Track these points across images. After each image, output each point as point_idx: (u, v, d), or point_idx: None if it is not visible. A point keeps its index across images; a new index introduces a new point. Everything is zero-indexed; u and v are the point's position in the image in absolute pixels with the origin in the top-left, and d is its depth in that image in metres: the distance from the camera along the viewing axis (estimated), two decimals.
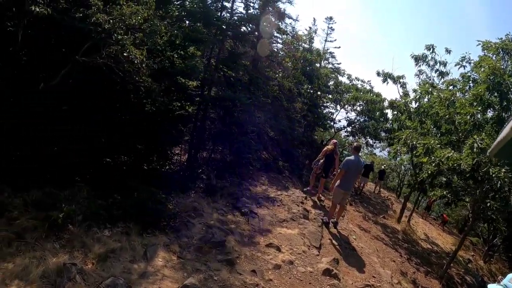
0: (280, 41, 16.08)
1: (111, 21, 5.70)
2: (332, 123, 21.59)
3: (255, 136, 11.82)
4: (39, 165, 5.83)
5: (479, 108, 8.87)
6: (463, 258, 15.37)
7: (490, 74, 8.68)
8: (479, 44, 10.72)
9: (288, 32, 15.36)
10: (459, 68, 11.51)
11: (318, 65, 18.65)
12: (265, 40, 12.65)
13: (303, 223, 8.10)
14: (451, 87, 11.76)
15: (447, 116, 9.80)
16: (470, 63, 11.46)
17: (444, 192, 11.33)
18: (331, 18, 21.14)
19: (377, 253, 9.39)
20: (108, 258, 4.71)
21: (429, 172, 8.74)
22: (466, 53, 11.56)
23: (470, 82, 10.61)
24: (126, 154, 8.15)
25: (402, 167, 28.04)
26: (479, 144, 7.64)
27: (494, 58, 9.75)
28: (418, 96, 12.00)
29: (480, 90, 8.82)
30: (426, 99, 11.97)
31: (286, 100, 15.06)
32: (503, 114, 9.11)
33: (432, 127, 10.82)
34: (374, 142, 22.40)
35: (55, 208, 5.17)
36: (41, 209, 5.11)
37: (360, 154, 9.85)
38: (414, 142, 9.45)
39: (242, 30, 10.08)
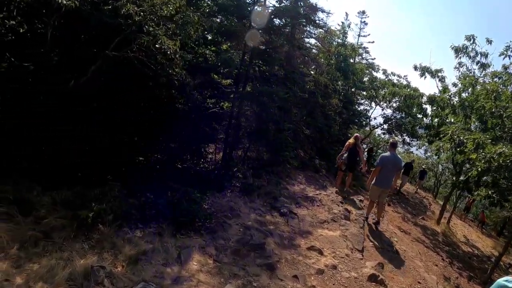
0: (313, 36, 15.53)
1: (141, 13, 5.42)
2: (367, 121, 20.76)
3: (291, 133, 11.35)
4: (70, 164, 5.64)
5: None
6: (504, 263, 14.34)
7: None
8: None
9: (321, 26, 14.79)
10: (504, 58, 10.58)
11: (352, 60, 17.88)
12: (299, 34, 12.16)
13: (344, 224, 7.56)
14: (496, 79, 10.82)
15: (493, 110, 8.98)
16: None
17: (490, 192, 10.44)
18: (363, 12, 20.38)
19: (419, 257, 8.69)
20: (139, 261, 4.36)
21: (479, 169, 7.92)
22: (510, 41, 10.62)
23: None
24: (159, 153, 7.93)
25: (440, 166, 26.63)
26: None
27: None
28: (462, 89, 11.09)
29: None
30: (468, 93, 11.08)
31: (322, 96, 14.48)
32: None
33: (478, 122, 9.99)
34: (412, 140, 21.32)
35: (84, 207, 4.90)
36: (70, 208, 4.85)
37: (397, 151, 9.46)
38: (462, 137, 8.67)
39: (276, 23, 9.60)
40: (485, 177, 10.29)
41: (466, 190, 14.22)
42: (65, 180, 5.34)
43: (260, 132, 9.15)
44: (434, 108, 13.53)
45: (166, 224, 5.34)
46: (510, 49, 10.43)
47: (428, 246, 10.66)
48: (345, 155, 10.19)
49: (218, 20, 9.08)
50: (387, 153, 8.01)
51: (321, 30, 15.80)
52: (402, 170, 18.86)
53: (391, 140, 9.80)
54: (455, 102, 11.34)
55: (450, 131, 9.21)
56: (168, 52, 5.43)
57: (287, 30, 10.59)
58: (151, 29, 5.49)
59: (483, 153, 7.80)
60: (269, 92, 8.08)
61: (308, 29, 14.21)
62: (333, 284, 5.22)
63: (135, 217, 5.34)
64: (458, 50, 12.65)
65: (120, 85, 6.19)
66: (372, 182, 8.04)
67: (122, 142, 6.49)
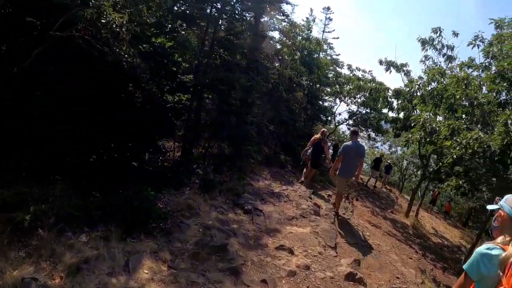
0: (277, 28, 15.14)
1: None
2: (333, 116, 20.68)
3: (254, 127, 10.89)
4: (13, 162, 4.92)
5: (504, 84, 7.94)
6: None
7: None
8: (492, 22, 10.05)
9: (286, 14, 14.39)
10: (472, 48, 10.64)
11: (317, 55, 17.65)
12: (262, 26, 11.72)
13: (314, 220, 7.14)
14: (465, 69, 10.86)
15: (463, 98, 8.95)
16: (483, 42, 10.61)
17: (460, 182, 10.47)
18: (328, 8, 20.27)
19: (394, 250, 8.46)
20: (80, 270, 3.72)
21: (454, 156, 7.77)
22: (479, 31, 10.69)
23: (489, 59, 9.71)
24: (113, 150, 7.24)
25: (405, 161, 27.11)
26: None
27: None
28: (431, 78, 11.01)
29: (506, 64, 7.87)
30: (437, 82, 11.02)
31: (286, 90, 14.11)
32: None
33: (447, 111, 9.91)
34: (377, 135, 21.46)
35: (21, 208, 4.21)
36: (6, 210, 4.15)
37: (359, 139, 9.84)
38: (434, 125, 8.51)
39: (238, 8, 9.06)
40: (456, 167, 10.26)
41: (437, 181, 14.25)
42: (6, 180, 4.63)
43: (221, 125, 8.59)
44: (400, 101, 13.49)
45: (115, 227, 4.68)
46: (479, 39, 10.46)
47: (400, 239, 10.49)
48: (310, 150, 10.03)
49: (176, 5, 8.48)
50: (349, 142, 7.95)
51: (285, 23, 15.49)
52: (373, 165, 19.67)
53: (352, 129, 10.25)
54: (424, 92, 11.22)
55: (421, 119, 9.01)
56: (114, 25, 4.77)
57: (250, 16, 10.10)
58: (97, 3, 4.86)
59: (458, 139, 7.60)
60: (229, 79, 7.45)
61: (273, 20, 13.83)
62: (307, 287, 4.76)
63: (80, 219, 4.66)
64: (424, 42, 12.62)
65: (64, 69, 5.51)
66: (337, 173, 7.93)
67: (71, 137, 5.77)
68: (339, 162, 7.82)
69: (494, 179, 9.56)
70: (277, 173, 11.05)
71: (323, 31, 19.99)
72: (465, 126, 8.07)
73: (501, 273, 1.95)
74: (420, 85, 11.60)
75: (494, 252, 2.06)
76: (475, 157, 8.07)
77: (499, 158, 7.38)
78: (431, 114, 10.09)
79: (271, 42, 15.09)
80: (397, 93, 14.07)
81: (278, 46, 15.64)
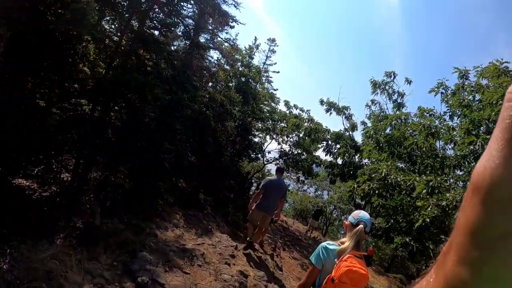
0: (216, 46, 13.31)
1: None
2: (262, 153, 19.01)
3: (172, 157, 8.67)
4: None
5: (487, 137, 6.86)
6: None
7: (498, 98, 6.78)
8: (456, 71, 9.45)
9: (231, 26, 12.69)
10: (435, 95, 9.82)
11: (255, 85, 16.04)
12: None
13: None
14: (426, 116, 9.90)
15: (426, 148, 7.84)
16: (447, 90, 9.81)
17: (407, 239, 9.49)
18: (273, 40, 19.09)
19: None
20: None
21: (427, 219, 6.37)
22: (443, 78, 9.93)
23: (460, 108, 8.80)
24: None
25: (332, 206, 26.28)
26: None
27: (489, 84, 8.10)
28: (389, 122, 9.85)
29: (488, 113, 6.80)
30: (389, 130, 9.93)
31: (216, 118, 12.13)
32: None
33: (404, 160, 8.82)
34: (307, 178, 20.21)
35: None
36: None
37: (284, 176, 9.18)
38: (399, 179, 7.13)
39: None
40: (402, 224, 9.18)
41: (384, 239, 13.27)
42: None
43: (126, 149, 6.28)
44: (341, 145, 12.24)
45: None
46: (442, 86, 9.60)
47: None
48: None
49: None
50: (273, 177, 7.68)
51: (227, 44, 13.75)
52: (313, 214, 18.98)
53: (278, 165, 9.68)
54: (379, 138, 9.94)
55: (382, 170, 7.56)
56: None
57: (190, 13, 8.08)
58: None
59: (433, 200, 6.21)
60: (138, 84, 5.13)
61: (214, 37, 12.03)
62: None
63: None
64: (376, 85, 11.64)
65: None
66: (254, 206, 7.43)
67: None
68: (259, 196, 7.40)
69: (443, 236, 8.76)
70: (194, 217, 8.82)
71: (264, 63, 18.65)
72: (447, 184, 6.74)
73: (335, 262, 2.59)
74: (378, 130, 10.31)
75: (331, 247, 2.74)
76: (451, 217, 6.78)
77: None
78: (390, 165, 8.77)
79: (208, 60, 13.19)
80: (338, 137, 12.86)
81: (213, 68, 13.77)
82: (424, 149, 8.65)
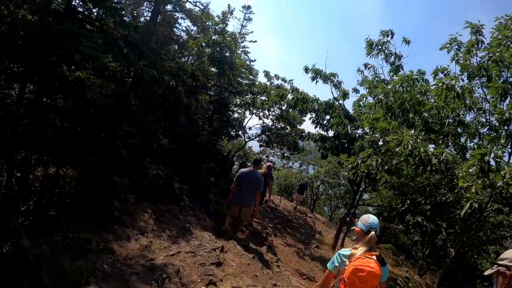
0: (185, 10, 11.42)
1: None
2: (242, 131, 17.37)
3: (137, 142, 6.99)
4: None
5: None
6: (401, 278, 13.27)
7: None
8: (467, 26, 8.15)
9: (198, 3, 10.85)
10: (449, 52, 8.41)
11: (229, 54, 14.11)
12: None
13: None
14: (440, 76, 8.49)
15: (450, 114, 6.54)
16: (460, 47, 8.38)
17: (419, 219, 8.62)
18: (248, 7, 17.27)
19: None
20: None
21: (476, 204, 5.07)
22: (456, 33, 8.49)
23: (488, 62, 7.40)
24: None
25: (319, 181, 25.03)
26: None
27: None
28: (401, 84, 8.32)
29: None
30: (390, 98, 8.45)
31: (188, 92, 10.40)
32: None
33: (421, 128, 7.50)
34: (292, 154, 18.77)
35: None
36: None
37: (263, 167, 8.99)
38: (430, 153, 5.77)
39: None
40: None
41: (397, 221, 12.23)
42: None
43: (66, 137, 4.58)
44: (334, 116, 10.72)
45: None
46: (456, 43, 8.17)
47: None
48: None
49: None
50: (246, 169, 7.50)
51: (197, 9, 11.88)
52: (298, 189, 19.13)
53: (255, 156, 9.70)
54: (391, 103, 8.40)
55: (408, 143, 6.10)
56: None
57: None
58: None
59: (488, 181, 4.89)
60: (57, 33, 3.21)
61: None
62: None
63: None
64: (373, 45, 10.11)
65: None
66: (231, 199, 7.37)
67: None
68: (234, 189, 7.30)
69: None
70: (168, 212, 7.21)
71: (239, 33, 16.79)
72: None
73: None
74: (389, 92, 8.73)
75: (344, 252, 2.91)
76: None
77: None
78: (416, 136, 7.26)
79: (176, 28, 11.34)
80: (328, 106, 11.34)
81: (184, 35, 11.90)
82: (443, 115, 7.35)
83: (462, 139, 8.13)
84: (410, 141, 6.15)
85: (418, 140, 6.30)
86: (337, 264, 2.89)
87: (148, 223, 6.06)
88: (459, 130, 8.07)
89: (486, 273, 2.24)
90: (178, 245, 5.58)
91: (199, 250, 5.54)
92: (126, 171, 5.60)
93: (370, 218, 2.98)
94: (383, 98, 8.33)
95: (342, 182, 24.09)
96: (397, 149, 6.23)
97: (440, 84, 7.00)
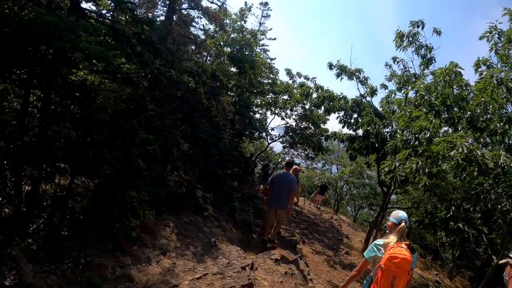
0: (202, 9, 10.88)
1: None
2: (265, 132, 16.71)
3: (156, 148, 6.46)
4: None
5: None
6: (432, 282, 12.59)
7: None
8: (507, 13, 7.59)
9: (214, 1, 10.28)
10: (489, 41, 7.59)
11: (249, 52, 13.44)
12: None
13: None
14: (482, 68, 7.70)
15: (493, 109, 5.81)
16: (501, 36, 7.56)
17: (460, 225, 7.88)
18: (266, 4, 16.56)
19: None
20: None
21: None
22: (496, 21, 7.67)
23: None
24: None
25: (342, 182, 24.06)
26: None
27: None
28: (444, 78, 7.53)
29: None
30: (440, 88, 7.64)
31: (209, 94, 9.83)
32: None
33: (466, 127, 6.76)
34: (316, 155, 18.01)
35: None
36: None
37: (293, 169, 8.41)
38: (487, 156, 5.08)
39: None
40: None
41: (432, 229, 11.51)
42: None
43: (77, 146, 4.05)
44: (364, 115, 9.94)
45: None
46: (497, 31, 7.36)
47: None
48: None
49: None
50: (280, 171, 7.90)
51: (214, 6, 11.32)
52: (318, 190, 19.34)
53: (286, 158, 9.97)
54: (434, 100, 7.62)
55: (462, 146, 5.40)
56: None
57: None
58: None
59: None
60: (57, 24, 2.60)
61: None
62: None
63: None
64: (403, 37, 9.34)
65: None
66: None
67: None
68: (269, 192, 7.71)
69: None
70: (191, 224, 6.65)
71: (258, 31, 16.08)
72: None
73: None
74: (430, 88, 7.93)
75: (379, 242, 3.27)
76: None
77: None
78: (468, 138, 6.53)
79: (194, 27, 10.84)
80: (357, 104, 10.59)
81: (201, 34, 11.35)
82: (489, 111, 6.59)
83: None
84: (465, 144, 5.43)
85: (473, 143, 5.59)
86: (372, 254, 3.28)
87: (170, 239, 5.50)
88: (507, 127, 7.27)
89: (500, 262, 2.86)
90: (205, 265, 4.99)
91: (228, 270, 4.95)
92: (145, 182, 5.05)
93: (399, 213, 3.36)
94: (425, 94, 7.55)
95: (366, 182, 23.25)
96: (451, 153, 5.50)
97: (488, 77, 6.22)
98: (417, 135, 7.80)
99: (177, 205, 7.00)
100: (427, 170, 6.91)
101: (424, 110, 7.66)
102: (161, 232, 5.53)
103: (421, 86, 7.81)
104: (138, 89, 4.67)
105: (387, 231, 3.39)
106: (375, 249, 3.26)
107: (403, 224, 3.16)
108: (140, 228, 5.04)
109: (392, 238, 3.10)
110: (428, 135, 7.43)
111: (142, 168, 4.90)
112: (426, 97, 7.45)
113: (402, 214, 3.32)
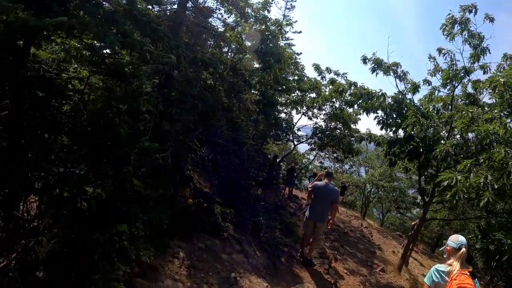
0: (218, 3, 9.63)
1: None
2: (291, 133, 15.33)
3: (167, 157, 5.31)
4: None
5: None
6: None
7: None
8: None
9: None
10: None
11: (275, 43, 12.03)
12: None
13: None
14: None
15: None
16: None
17: None
18: None
19: None
20: None
21: None
22: None
23: None
24: None
25: (368, 185, 22.50)
26: None
27: None
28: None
29: None
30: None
31: (229, 91, 8.60)
32: None
33: None
34: (346, 157, 16.55)
35: None
36: None
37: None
38: None
39: None
40: None
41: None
42: None
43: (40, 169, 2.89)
44: (408, 114, 8.47)
45: None
46: None
47: None
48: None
49: None
50: (321, 182, 7.38)
51: None
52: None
53: (327, 169, 9.76)
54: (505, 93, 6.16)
55: None
56: None
57: None
58: None
59: None
60: None
61: None
62: None
63: None
64: (455, 23, 7.89)
65: None
66: (306, 214, 7.47)
67: None
68: (310, 195, 7.48)
69: None
70: (206, 252, 5.43)
71: (281, 22, 14.73)
72: None
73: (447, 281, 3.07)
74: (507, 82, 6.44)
75: (441, 268, 3.20)
76: None
77: None
78: None
79: (212, 17, 9.63)
80: (398, 103, 9.13)
81: (220, 27, 10.09)
82: None
83: None
84: None
85: None
86: (435, 280, 3.20)
87: (178, 278, 4.28)
88: None
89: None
90: None
91: None
92: (144, 207, 3.83)
93: (459, 237, 3.27)
94: (504, 90, 6.07)
95: (396, 186, 21.70)
96: None
97: None
98: (483, 142, 6.32)
99: (190, 224, 5.81)
100: (496, 186, 5.53)
101: (495, 111, 6.22)
102: (166, 268, 4.33)
103: (500, 80, 6.31)
104: (130, 84, 3.45)
105: (444, 255, 3.33)
106: (437, 275, 3.20)
107: (463, 249, 3.15)
108: (138, 267, 3.84)
109: (455, 266, 3.07)
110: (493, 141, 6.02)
111: (139, 188, 3.69)
112: (507, 96, 5.96)
113: (461, 238, 3.25)
